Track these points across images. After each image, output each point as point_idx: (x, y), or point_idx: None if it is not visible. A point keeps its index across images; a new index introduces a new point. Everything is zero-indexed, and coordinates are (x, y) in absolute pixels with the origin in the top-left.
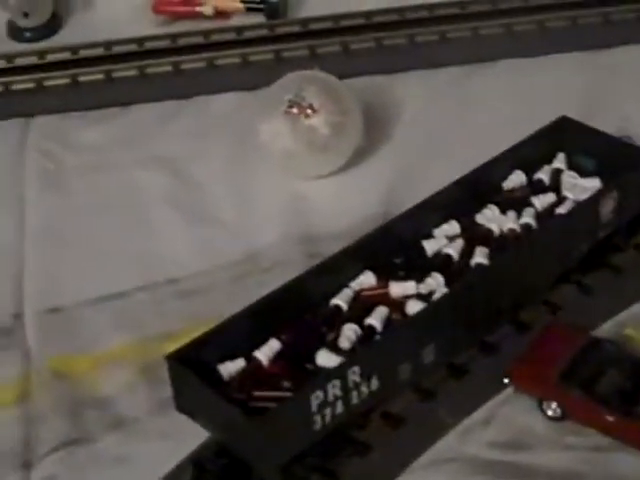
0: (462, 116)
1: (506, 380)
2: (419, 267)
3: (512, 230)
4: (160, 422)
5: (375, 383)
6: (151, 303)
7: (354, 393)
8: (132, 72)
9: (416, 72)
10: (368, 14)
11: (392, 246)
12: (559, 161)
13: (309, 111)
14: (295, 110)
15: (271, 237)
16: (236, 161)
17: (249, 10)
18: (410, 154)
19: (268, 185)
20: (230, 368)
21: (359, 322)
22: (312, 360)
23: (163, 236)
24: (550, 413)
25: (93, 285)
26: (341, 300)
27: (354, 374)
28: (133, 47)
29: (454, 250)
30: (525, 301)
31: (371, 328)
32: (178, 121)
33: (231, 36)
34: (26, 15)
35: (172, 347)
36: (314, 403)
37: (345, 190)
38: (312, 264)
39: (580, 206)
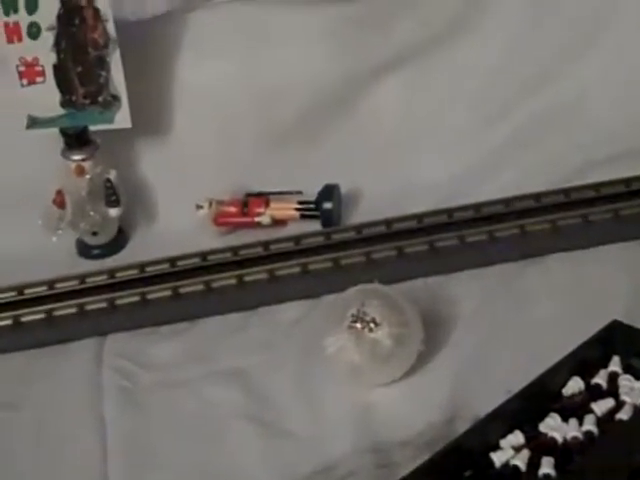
0: (516, 313)
1: None
2: (488, 479)
3: (575, 438)
4: None
5: None
6: None
7: None
8: (198, 287)
9: (468, 271)
10: (419, 216)
11: (461, 460)
12: (614, 364)
13: (372, 325)
14: (359, 325)
15: (341, 448)
16: (303, 371)
17: (304, 217)
18: (469, 356)
19: (335, 395)
20: None
21: None
22: None
23: (238, 451)
24: None
25: None
26: None
27: None
28: (197, 261)
29: (521, 461)
30: None
31: None
32: (245, 333)
33: (290, 246)
34: (95, 234)
35: None
36: None
37: (408, 397)
38: (382, 474)
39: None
